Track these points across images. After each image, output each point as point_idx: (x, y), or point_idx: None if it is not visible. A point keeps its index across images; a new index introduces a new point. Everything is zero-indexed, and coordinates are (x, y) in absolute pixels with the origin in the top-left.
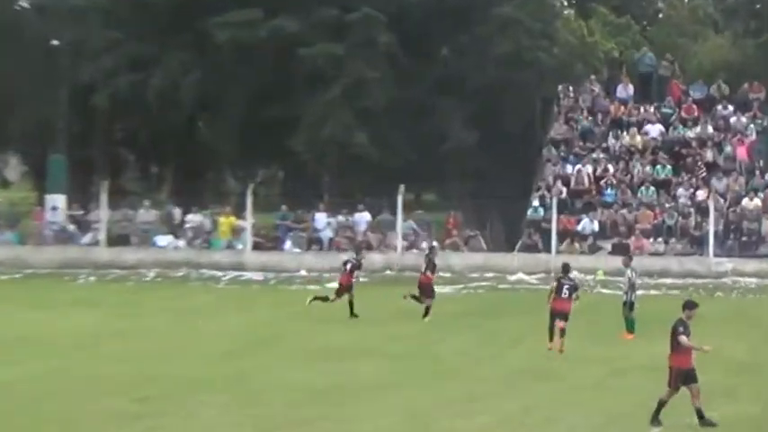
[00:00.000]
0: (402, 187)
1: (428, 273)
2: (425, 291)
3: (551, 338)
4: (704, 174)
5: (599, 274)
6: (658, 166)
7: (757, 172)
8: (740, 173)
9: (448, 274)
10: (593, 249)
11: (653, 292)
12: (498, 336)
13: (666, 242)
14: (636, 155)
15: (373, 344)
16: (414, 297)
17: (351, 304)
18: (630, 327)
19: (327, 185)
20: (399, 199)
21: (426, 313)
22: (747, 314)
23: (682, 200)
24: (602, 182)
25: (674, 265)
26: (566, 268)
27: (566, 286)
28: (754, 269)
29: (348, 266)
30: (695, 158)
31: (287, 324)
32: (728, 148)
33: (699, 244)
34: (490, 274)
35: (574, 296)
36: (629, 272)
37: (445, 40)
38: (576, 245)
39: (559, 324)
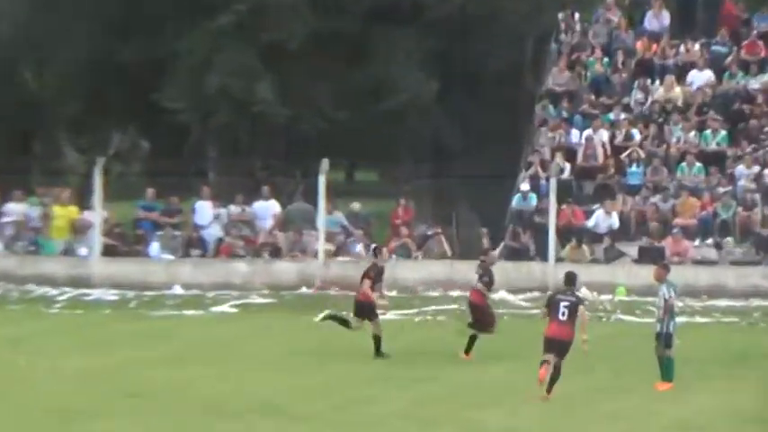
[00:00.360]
0: (326, 163)
1: (479, 288)
2: (480, 315)
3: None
4: None
5: (619, 292)
6: (707, 132)
7: None
8: None
9: (393, 293)
10: (612, 256)
11: (699, 319)
12: (466, 392)
13: (719, 245)
14: (674, 115)
15: (280, 400)
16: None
17: (376, 339)
18: (667, 371)
19: (214, 161)
20: (322, 180)
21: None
22: None
23: (742, 182)
24: (623, 155)
25: (730, 278)
26: (570, 279)
27: (563, 304)
28: None
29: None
30: (762, 121)
31: (156, 371)
32: None
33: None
34: (456, 293)
35: (581, 315)
36: (664, 289)
37: None
38: (585, 248)
39: (548, 359)
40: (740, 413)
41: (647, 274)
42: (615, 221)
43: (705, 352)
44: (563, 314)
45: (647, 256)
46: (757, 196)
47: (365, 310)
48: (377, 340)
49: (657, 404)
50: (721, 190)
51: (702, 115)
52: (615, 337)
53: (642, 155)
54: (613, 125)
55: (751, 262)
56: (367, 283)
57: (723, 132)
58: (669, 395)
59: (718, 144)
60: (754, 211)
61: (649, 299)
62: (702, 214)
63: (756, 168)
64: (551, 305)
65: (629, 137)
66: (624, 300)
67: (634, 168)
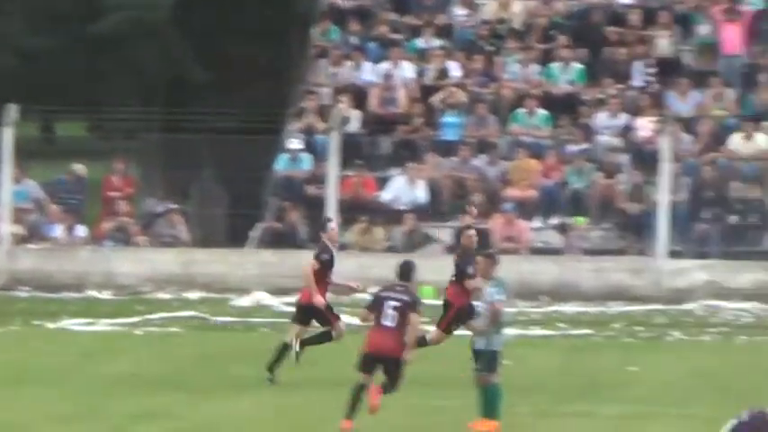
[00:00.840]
0: (13, 110)
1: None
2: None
3: (350, 411)
4: (651, 77)
5: (425, 292)
6: (555, 66)
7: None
8: (726, 82)
9: (105, 293)
10: (416, 241)
11: (538, 330)
12: None
13: (568, 227)
14: (509, 41)
15: None
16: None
17: (301, 343)
18: (490, 404)
19: None
20: (7, 136)
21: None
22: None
23: (603, 137)
24: (435, 99)
25: (583, 274)
26: (405, 271)
27: (391, 304)
28: (750, 282)
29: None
30: (634, 49)
31: None
32: (706, 27)
33: (639, 231)
34: (196, 294)
35: (412, 323)
36: (489, 289)
37: None
38: (379, 231)
39: (367, 382)
40: None
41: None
42: (422, 193)
43: (543, 379)
44: (389, 318)
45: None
46: (624, 158)
47: (312, 315)
48: (302, 345)
49: None
50: (573, 149)
51: (549, 42)
52: (427, 357)
53: (462, 99)
54: (422, 56)
55: (612, 251)
56: (311, 278)
57: (578, 66)
58: None
59: (570, 83)
60: (619, 179)
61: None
62: (546, 183)
63: (624, 118)
64: (375, 306)
65: (443, 73)
66: (433, 303)
67: (450, 118)
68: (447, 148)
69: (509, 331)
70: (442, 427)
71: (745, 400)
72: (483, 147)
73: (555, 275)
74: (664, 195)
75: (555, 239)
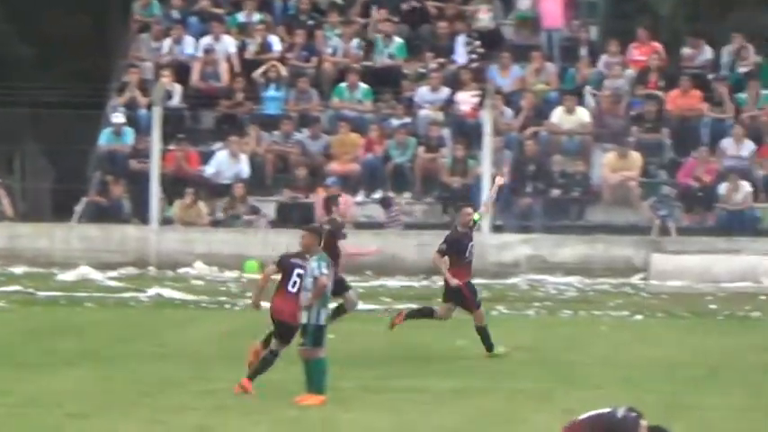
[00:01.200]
0: None
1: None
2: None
3: (252, 371)
4: (473, 52)
5: (249, 267)
6: (377, 40)
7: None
8: (547, 56)
9: None
10: (239, 215)
11: (363, 305)
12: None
13: (391, 202)
14: (330, 15)
15: None
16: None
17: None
18: (317, 378)
19: None
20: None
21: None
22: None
23: (425, 111)
24: (257, 74)
25: (407, 248)
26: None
27: (296, 271)
28: (573, 256)
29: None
30: (454, 25)
31: None
32: (526, 1)
33: (456, 197)
34: (21, 269)
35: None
36: (314, 263)
37: None
38: (202, 206)
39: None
40: None
41: (289, 242)
42: (245, 168)
43: (368, 353)
44: (293, 286)
45: (289, 216)
46: (444, 132)
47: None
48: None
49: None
50: (395, 123)
51: (369, 15)
52: (241, 335)
53: (284, 73)
54: (244, 30)
55: (436, 225)
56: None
57: (399, 41)
58: (315, 416)
59: (391, 57)
60: (442, 153)
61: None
62: (368, 157)
63: (446, 92)
64: (283, 268)
65: (265, 47)
66: (257, 278)
67: (272, 92)
68: (269, 123)
69: (333, 306)
70: (267, 401)
71: (569, 376)
72: (305, 121)
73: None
74: (486, 169)
75: (379, 213)
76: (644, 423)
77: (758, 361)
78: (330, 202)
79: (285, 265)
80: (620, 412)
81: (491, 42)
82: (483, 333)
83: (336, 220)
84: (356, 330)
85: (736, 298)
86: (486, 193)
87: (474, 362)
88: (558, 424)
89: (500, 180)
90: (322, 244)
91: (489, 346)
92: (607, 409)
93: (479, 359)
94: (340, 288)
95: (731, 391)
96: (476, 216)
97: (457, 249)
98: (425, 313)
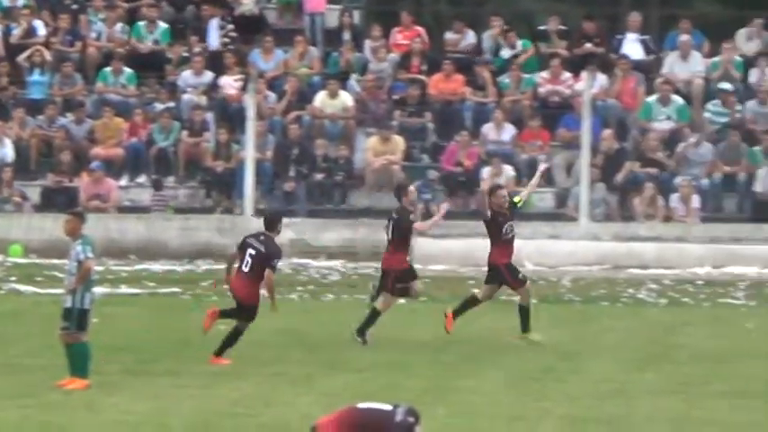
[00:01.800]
0: None
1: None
2: None
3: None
4: (229, 36)
5: (13, 251)
6: (140, 25)
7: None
8: (310, 41)
9: None
10: (8, 199)
11: (126, 288)
12: None
13: (158, 184)
14: (94, 0)
15: None
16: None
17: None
18: (79, 362)
19: None
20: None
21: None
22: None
23: (188, 96)
24: (21, 58)
25: (173, 232)
26: (269, 220)
27: (250, 252)
28: (335, 240)
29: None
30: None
31: None
32: None
33: (226, 189)
34: None
35: (266, 275)
36: (78, 247)
37: None
38: None
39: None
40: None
41: (53, 226)
42: (9, 152)
43: (131, 337)
44: (246, 264)
45: (53, 200)
46: (208, 116)
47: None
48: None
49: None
50: (159, 107)
51: (134, 1)
52: (11, 317)
53: (48, 57)
54: (8, 15)
55: (199, 209)
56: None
57: (163, 25)
58: (79, 400)
59: (156, 42)
60: (205, 137)
61: (57, 261)
62: (132, 141)
63: (209, 76)
64: (241, 250)
65: (30, 32)
66: (21, 262)
67: (37, 77)
68: (34, 107)
69: (97, 290)
70: (31, 387)
71: (331, 359)
72: (69, 105)
73: (142, 234)
74: (249, 153)
75: (144, 197)
76: (418, 430)
77: (514, 343)
78: (400, 191)
79: (242, 245)
80: (399, 416)
81: (254, 27)
82: (523, 313)
83: (406, 209)
84: (119, 314)
85: None
86: (503, 176)
87: (237, 345)
88: (318, 408)
89: (543, 167)
90: (397, 236)
91: (525, 328)
92: (388, 407)
93: (241, 345)
94: (409, 276)
95: (489, 373)
96: (516, 199)
97: (493, 230)
98: (470, 303)
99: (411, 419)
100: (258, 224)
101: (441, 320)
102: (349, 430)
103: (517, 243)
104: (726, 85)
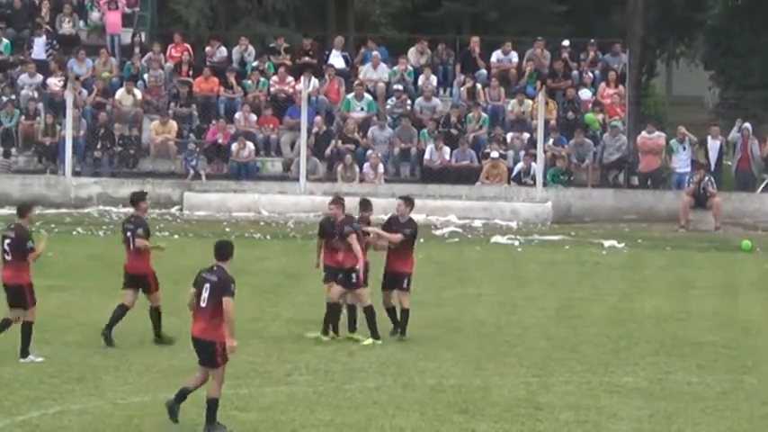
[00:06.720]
0: None
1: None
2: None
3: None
4: (53, 50)
5: None
6: None
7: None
8: (111, 53)
9: None
10: None
11: None
12: None
13: (7, 154)
14: None
15: None
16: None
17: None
18: None
19: None
20: None
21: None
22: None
23: (25, 91)
24: None
25: (15, 187)
26: (220, 250)
27: (206, 286)
28: (128, 193)
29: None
30: (43, 22)
31: None
32: (97, 13)
33: (53, 157)
34: None
35: (225, 307)
36: None
37: None
38: None
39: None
40: None
41: None
42: None
43: None
44: (203, 300)
45: None
46: (40, 105)
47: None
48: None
49: None
50: (5, 99)
51: None
52: None
53: None
54: None
55: (34, 171)
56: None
57: (6, 41)
58: None
59: (1, 53)
60: (37, 120)
61: None
62: None
63: (40, 78)
64: (197, 286)
65: None
66: None
67: None
68: None
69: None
70: None
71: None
72: None
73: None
74: (69, 132)
75: None
76: None
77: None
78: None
79: (196, 281)
80: None
81: (71, 42)
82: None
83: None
84: None
85: (243, 224)
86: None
87: (60, 267)
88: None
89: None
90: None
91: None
92: None
93: (64, 265)
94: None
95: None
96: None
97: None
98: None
99: None
100: (76, 181)
101: (204, 250)
102: None
103: (255, 197)
104: (400, 87)
